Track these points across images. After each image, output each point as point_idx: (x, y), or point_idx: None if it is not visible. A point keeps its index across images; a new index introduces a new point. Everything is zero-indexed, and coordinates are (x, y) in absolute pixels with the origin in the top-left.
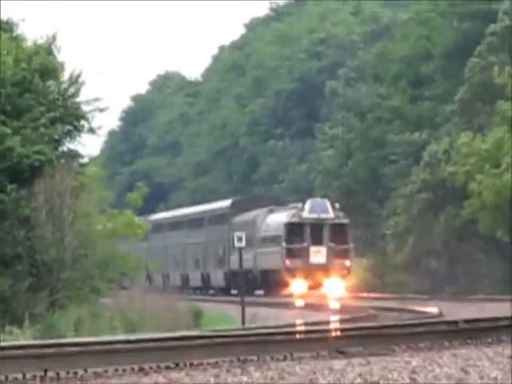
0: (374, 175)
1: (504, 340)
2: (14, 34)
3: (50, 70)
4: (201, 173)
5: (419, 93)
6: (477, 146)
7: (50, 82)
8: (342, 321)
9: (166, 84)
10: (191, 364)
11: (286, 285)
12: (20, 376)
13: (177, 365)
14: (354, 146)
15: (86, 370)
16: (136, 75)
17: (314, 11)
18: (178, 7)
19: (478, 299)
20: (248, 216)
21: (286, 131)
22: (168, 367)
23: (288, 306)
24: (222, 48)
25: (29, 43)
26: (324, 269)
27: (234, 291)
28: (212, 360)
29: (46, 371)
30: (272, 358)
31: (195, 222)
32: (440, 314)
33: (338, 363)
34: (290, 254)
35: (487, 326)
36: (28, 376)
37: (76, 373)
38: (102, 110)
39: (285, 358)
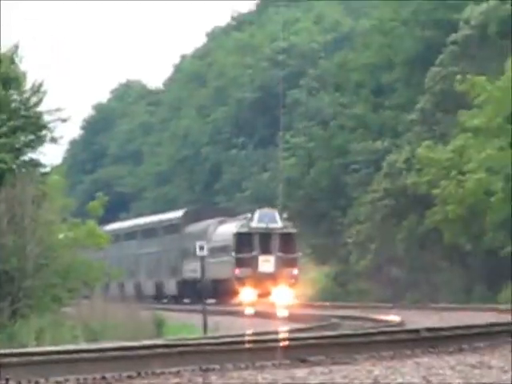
0: (336, 184)
1: (465, 349)
2: None
3: (11, 79)
4: (162, 182)
5: (381, 101)
6: (438, 156)
7: (12, 92)
8: (303, 330)
9: (127, 93)
10: (153, 373)
11: (236, 293)
12: None
13: (139, 374)
14: (315, 155)
15: (47, 380)
16: (97, 84)
17: (276, 19)
18: (139, 16)
19: (440, 308)
20: (199, 226)
21: (249, 140)
22: (130, 376)
23: (246, 314)
24: (183, 57)
25: None
26: (272, 277)
27: (186, 300)
28: (174, 369)
29: (7, 380)
30: (234, 367)
31: (149, 231)
32: (402, 323)
33: (300, 372)
34: (240, 263)
35: (449, 334)
36: None
37: (37, 382)
38: (64, 121)
39: (247, 367)
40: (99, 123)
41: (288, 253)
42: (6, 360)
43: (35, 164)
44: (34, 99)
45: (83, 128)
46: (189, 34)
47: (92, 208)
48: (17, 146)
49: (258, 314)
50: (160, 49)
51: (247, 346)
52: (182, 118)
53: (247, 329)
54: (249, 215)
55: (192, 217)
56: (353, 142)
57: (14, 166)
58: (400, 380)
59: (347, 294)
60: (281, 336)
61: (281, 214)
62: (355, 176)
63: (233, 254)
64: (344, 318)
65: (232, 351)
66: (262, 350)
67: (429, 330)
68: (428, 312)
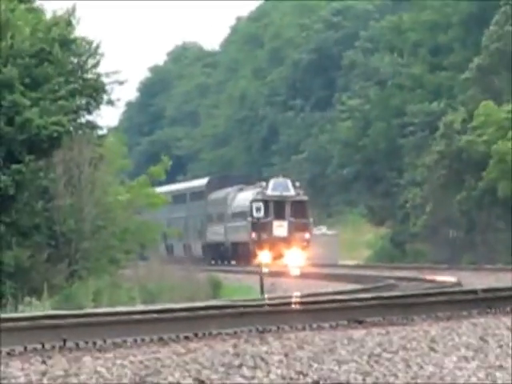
0: (392, 146)
1: None
2: (33, 5)
3: (69, 41)
4: (219, 144)
5: (438, 61)
6: (495, 115)
7: (69, 54)
8: (359, 290)
9: (184, 54)
10: (210, 334)
11: (253, 255)
12: (39, 346)
13: (195, 335)
14: (372, 116)
15: (104, 341)
16: (154, 46)
17: None
18: None
19: (497, 269)
20: (221, 194)
21: (305, 102)
22: (187, 337)
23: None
24: (239, 19)
25: (48, 15)
26: (286, 241)
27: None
28: (230, 330)
29: (64, 341)
30: (291, 328)
31: (179, 197)
32: (458, 284)
33: (357, 333)
34: (256, 227)
35: (506, 295)
36: (47, 346)
37: (95, 343)
38: (121, 83)
39: (303, 328)
40: (156, 85)
41: (300, 218)
42: (64, 321)
43: (92, 126)
44: (91, 61)
45: (140, 90)
46: None
47: (155, 172)
48: (74, 108)
49: (312, 275)
50: (216, 10)
51: (304, 307)
52: (239, 80)
53: (303, 290)
54: (264, 183)
55: (215, 185)
56: (410, 102)
57: (71, 129)
58: (457, 340)
59: (404, 255)
60: (337, 297)
61: (293, 183)
62: (411, 139)
63: (249, 219)
64: (401, 279)
65: (289, 312)
66: (317, 311)
67: (485, 290)
68: (485, 273)
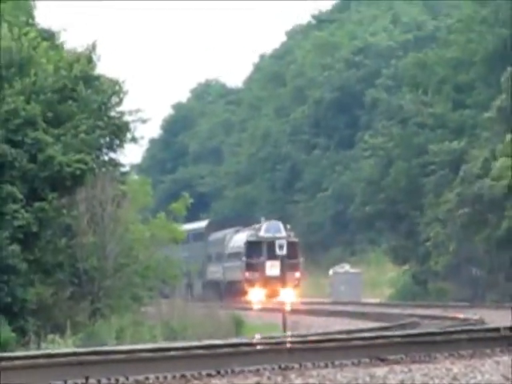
0: (414, 184)
1: None
2: (55, 42)
3: (91, 78)
4: (242, 181)
5: (461, 99)
6: None
7: (92, 91)
8: (382, 328)
9: (207, 92)
10: (232, 371)
11: (246, 293)
12: (62, 383)
13: (218, 372)
14: (395, 155)
15: (127, 378)
16: (177, 84)
17: (355, 18)
18: (219, 15)
19: None
20: (219, 235)
21: (328, 140)
22: (209, 375)
23: (324, 312)
24: (262, 56)
25: (68, 52)
26: (278, 280)
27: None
28: (253, 367)
29: (87, 379)
30: (313, 365)
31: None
32: (481, 322)
33: (380, 370)
34: (250, 267)
35: None
36: (69, 383)
37: (117, 380)
38: (144, 121)
39: (326, 366)
40: (179, 122)
41: (291, 258)
42: (86, 358)
43: (115, 164)
44: (114, 99)
45: (162, 127)
46: (268, 32)
47: (176, 208)
48: (97, 145)
49: (336, 313)
50: (239, 48)
51: (326, 344)
52: (262, 117)
53: (326, 328)
54: (257, 226)
55: (214, 226)
56: (432, 141)
57: (95, 166)
58: (479, 378)
59: (426, 293)
60: (359, 335)
61: (284, 225)
62: (432, 178)
63: (243, 259)
64: (423, 317)
65: (311, 350)
66: (341, 348)
67: (508, 328)
68: (508, 311)
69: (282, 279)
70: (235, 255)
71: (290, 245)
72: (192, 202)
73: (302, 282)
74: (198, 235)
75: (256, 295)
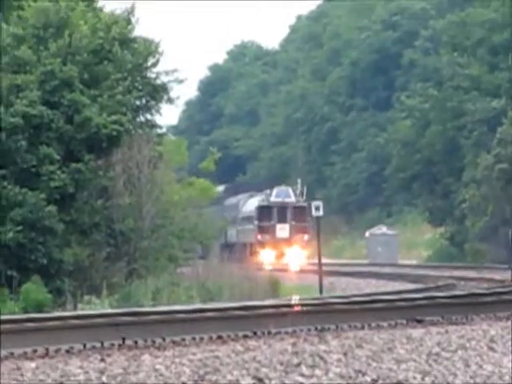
0: (451, 146)
1: None
2: (93, 5)
3: (128, 40)
4: (278, 143)
5: (497, 62)
6: None
7: (129, 52)
8: (419, 290)
9: (243, 53)
10: (269, 333)
11: (257, 254)
12: (98, 344)
13: (255, 333)
14: (431, 116)
15: (163, 339)
16: (213, 45)
17: None
18: None
19: None
20: (234, 200)
21: (365, 101)
22: (246, 336)
23: (361, 274)
24: (299, 18)
25: (107, 14)
26: (288, 241)
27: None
28: (289, 329)
29: (123, 339)
30: (350, 327)
31: None
32: None
33: (416, 332)
34: (261, 230)
35: None
36: (106, 344)
37: (154, 341)
38: (180, 82)
39: (362, 327)
40: (215, 84)
41: (300, 222)
42: (123, 319)
43: (151, 125)
44: (151, 60)
45: (199, 89)
46: None
47: (204, 166)
48: (133, 106)
49: (372, 274)
50: (275, 9)
51: (363, 306)
52: (298, 79)
53: (362, 289)
54: (268, 191)
55: (231, 191)
56: (467, 103)
57: (131, 127)
58: None
59: (463, 254)
60: (395, 297)
61: (295, 191)
62: (470, 137)
63: (256, 222)
64: (460, 279)
65: (348, 311)
66: (377, 310)
67: None
68: None
69: (290, 241)
70: (248, 219)
71: (299, 209)
72: (228, 163)
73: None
74: (216, 199)
75: (267, 256)
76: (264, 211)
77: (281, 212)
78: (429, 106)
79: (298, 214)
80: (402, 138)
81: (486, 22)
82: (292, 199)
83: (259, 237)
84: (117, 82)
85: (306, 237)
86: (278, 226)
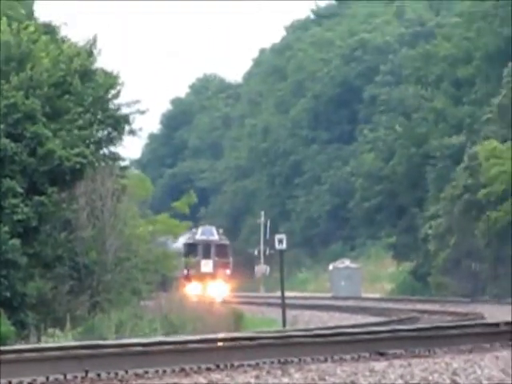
0: (415, 177)
1: None
2: (55, 37)
3: (89, 72)
4: (242, 176)
5: (460, 95)
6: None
7: (90, 85)
8: (382, 323)
9: (206, 87)
10: (232, 365)
11: (183, 287)
12: (61, 377)
13: (217, 366)
14: (396, 146)
15: (126, 371)
16: (175, 79)
17: (357, 13)
18: (218, 10)
19: None
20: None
21: (328, 135)
22: (209, 368)
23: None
24: (262, 51)
25: (68, 46)
26: (211, 276)
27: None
28: (252, 362)
29: (87, 372)
30: (312, 360)
31: None
32: (481, 317)
33: (379, 365)
34: (187, 265)
35: None
36: (69, 377)
37: (117, 373)
38: (142, 112)
39: (325, 360)
40: (178, 117)
41: (222, 258)
42: (86, 352)
43: (115, 157)
44: (112, 92)
45: (161, 123)
46: (268, 27)
47: (179, 206)
48: (95, 139)
49: (335, 308)
50: (237, 42)
51: (326, 339)
52: (262, 112)
53: (326, 322)
54: (194, 230)
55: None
56: (434, 134)
57: (94, 160)
58: (479, 373)
59: (426, 288)
60: (358, 330)
61: (217, 230)
62: (433, 170)
63: (182, 258)
64: (423, 312)
65: (310, 344)
66: (340, 343)
67: (508, 323)
68: (508, 306)
69: (214, 275)
70: (178, 255)
71: (222, 247)
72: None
73: (231, 278)
74: None
75: (193, 288)
76: (190, 248)
77: (205, 249)
78: (393, 138)
79: (220, 251)
80: (366, 170)
81: (448, 56)
82: (215, 237)
83: (185, 271)
84: (78, 115)
85: (228, 271)
86: (203, 262)
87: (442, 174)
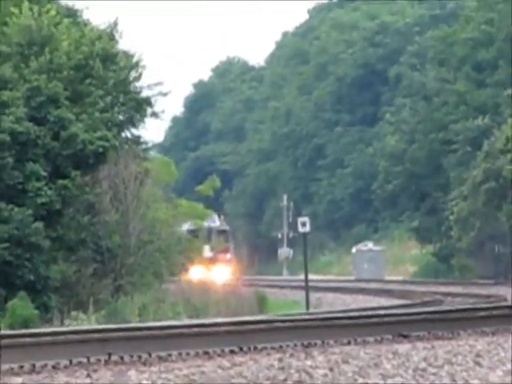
0: (436, 161)
1: None
2: (77, 20)
3: (111, 55)
4: (265, 159)
5: (483, 78)
6: None
7: (111, 68)
8: (405, 306)
9: (229, 69)
10: (255, 348)
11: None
12: (84, 360)
13: (241, 349)
14: (418, 129)
15: (149, 354)
16: (198, 62)
17: None
18: None
19: None
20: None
21: (351, 117)
22: (232, 351)
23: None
24: (285, 34)
25: (90, 29)
26: (212, 260)
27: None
28: (276, 344)
29: (110, 355)
30: (336, 342)
31: None
32: (504, 299)
33: (403, 347)
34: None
35: None
36: (92, 360)
37: (140, 357)
38: (164, 94)
39: (349, 343)
40: (201, 100)
41: (223, 243)
42: (110, 335)
43: (137, 140)
44: (133, 74)
45: (185, 106)
46: (290, 10)
47: (203, 190)
48: (117, 121)
49: (362, 291)
50: (260, 25)
51: (349, 321)
52: (285, 95)
53: (349, 305)
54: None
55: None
56: (454, 118)
57: (117, 143)
58: (502, 355)
59: (450, 270)
60: (381, 312)
61: (219, 216)
62: (454, 155)
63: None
64: (447, 295)
65: (334, 326)
66: (364, 325)
67: None
68: None
69: (215, 259)
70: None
71: (222, 232)
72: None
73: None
74: None
75: (196, 272)
76: (193, 234)
77: (207, 235)
78: (416, 120)
79: (221, 237)
80: (389, 152)
81: (470, 39)
82: (217, 223)
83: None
84: (100, 98)
85: (228, 255)
86: (205, 247)
87: (464, 158)
